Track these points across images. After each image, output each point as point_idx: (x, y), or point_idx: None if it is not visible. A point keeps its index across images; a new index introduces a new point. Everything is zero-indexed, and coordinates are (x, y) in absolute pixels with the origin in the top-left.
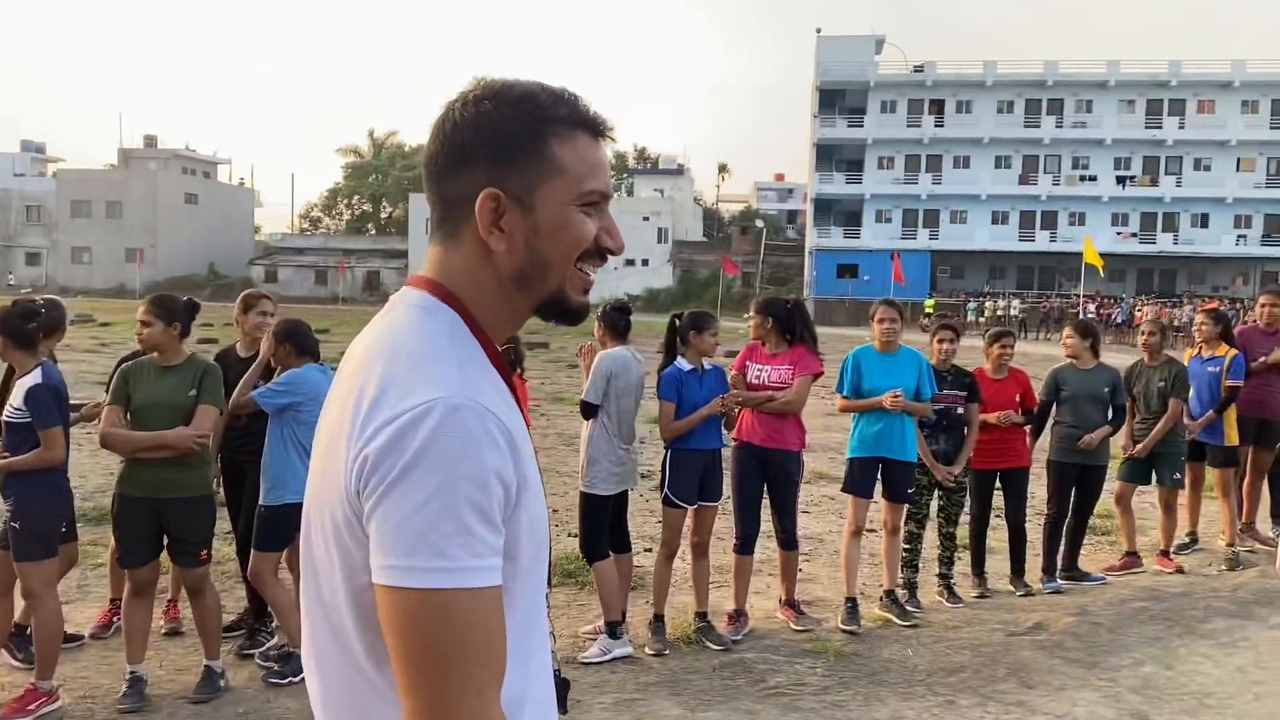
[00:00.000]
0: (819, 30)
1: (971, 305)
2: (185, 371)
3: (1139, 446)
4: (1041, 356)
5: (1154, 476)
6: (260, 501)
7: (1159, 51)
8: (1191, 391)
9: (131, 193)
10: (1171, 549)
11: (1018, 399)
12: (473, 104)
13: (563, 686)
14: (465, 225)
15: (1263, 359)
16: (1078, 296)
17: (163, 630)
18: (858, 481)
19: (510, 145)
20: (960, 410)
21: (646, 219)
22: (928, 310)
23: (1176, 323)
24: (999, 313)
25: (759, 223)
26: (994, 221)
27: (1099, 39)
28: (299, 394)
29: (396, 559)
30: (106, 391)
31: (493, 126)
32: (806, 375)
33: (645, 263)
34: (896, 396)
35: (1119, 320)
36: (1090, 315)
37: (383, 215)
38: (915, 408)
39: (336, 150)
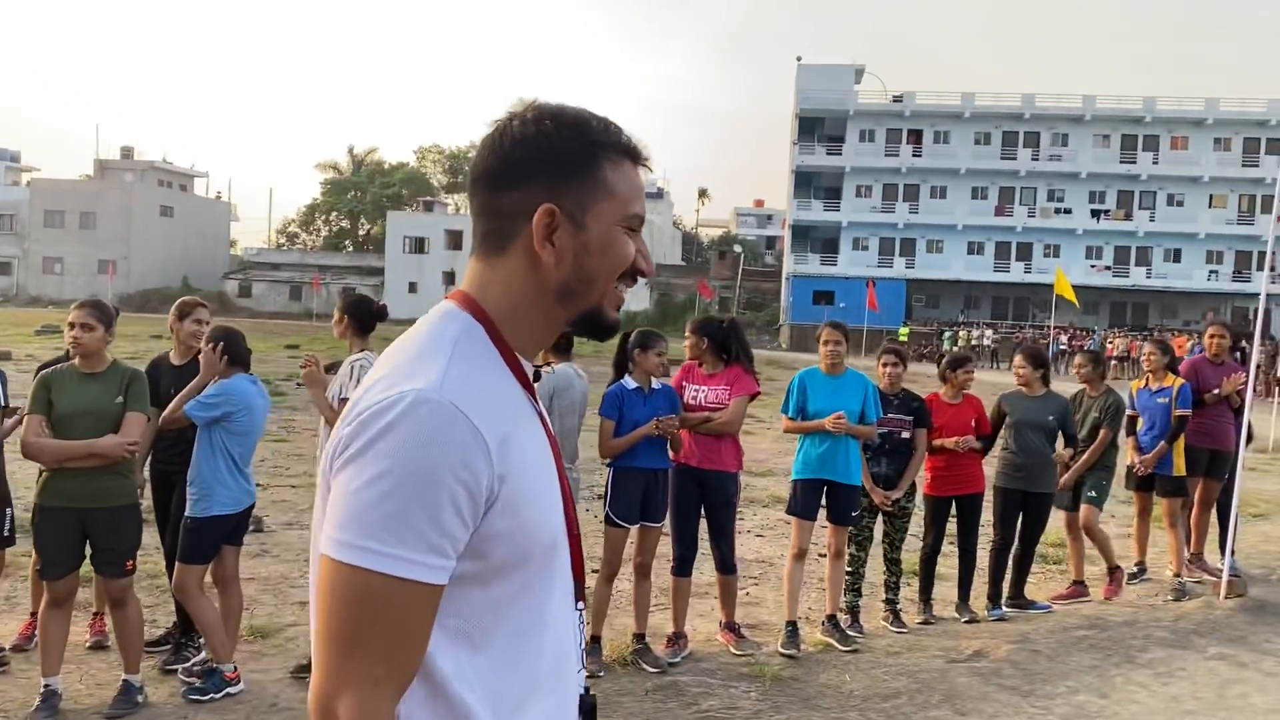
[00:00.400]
0: (799, 58)
1: (946, 334)
2: (110, 378)
3: (1065, 477)
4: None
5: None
6: (186, 513)
7: (1134, 88)
8: (1142, 424)
9: (106, 204)
10: (1115, 565)
11: (973, 424)
12: (532, 123)
13: (588, 709)
14: (516, 238)
15: (1215, 391)
16: (1051, 328)
17: (87, 644)
18: (801, 504)
19: (569, 165)
20: (905, 434)
21: None
22: (902, 338)
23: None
24: (972, 342)
25: (737, 248)
26: (970, 251)
27: (1075, 74)
28: (230, 405)
29: (333, 530)
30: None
31: (553, 146)
32: (743, 395)
33: None
34: (839, 419)
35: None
36: (1062, 346)
37: (360, 232)
38: (859, 430)
39: (315, 165)
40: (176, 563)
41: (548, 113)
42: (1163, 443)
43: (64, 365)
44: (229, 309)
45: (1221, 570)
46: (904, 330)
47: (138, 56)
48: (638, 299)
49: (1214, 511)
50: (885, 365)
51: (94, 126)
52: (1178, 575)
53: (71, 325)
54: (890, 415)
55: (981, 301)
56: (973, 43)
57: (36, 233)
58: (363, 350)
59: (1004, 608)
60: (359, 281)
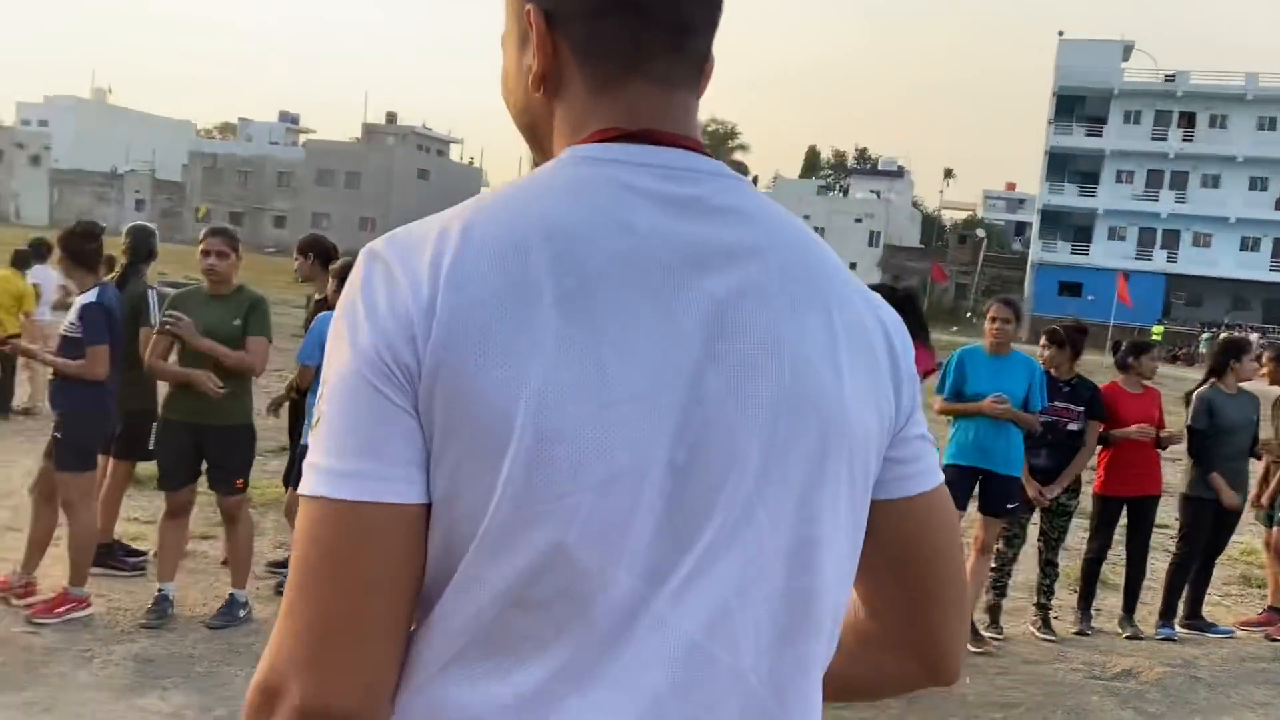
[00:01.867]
0: (1061, 33)
1: (1205, 336)
2: (233, 303)
3: (1265, 495)
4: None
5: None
6: (302, 440)
7: None
8: None
9: (370, 165)
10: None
11: (1157, 416)
12: None
13: None
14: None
15: None
16: None
17: (223, 560)
18: (951, 491)
19: None
20: (1074, 426)
21: (859, 220)
22: (1155, 337)
23: None
24: None
25: (980, 232)
26: (1243, 248)
27: None
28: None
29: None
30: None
31: None
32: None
33: (853, 266)
34: (999, 400)
35: None
36: None
37: None
38: (1021, 417)
39: None
40: (289, 489)
41: None
42: None
43: (194, 287)
44: None
45: None
46: (1158, 329)
47: (408, 24)
48: (866, 280)
49: None
50: (1043, 348)
51: (363, 92)
52: None
53: (206, 253)
54: (1057, 404)
55: (1252, 303)
56: (1261, 17)
57: (309, 189)
58: None
59: (1176, 627)
60: None
